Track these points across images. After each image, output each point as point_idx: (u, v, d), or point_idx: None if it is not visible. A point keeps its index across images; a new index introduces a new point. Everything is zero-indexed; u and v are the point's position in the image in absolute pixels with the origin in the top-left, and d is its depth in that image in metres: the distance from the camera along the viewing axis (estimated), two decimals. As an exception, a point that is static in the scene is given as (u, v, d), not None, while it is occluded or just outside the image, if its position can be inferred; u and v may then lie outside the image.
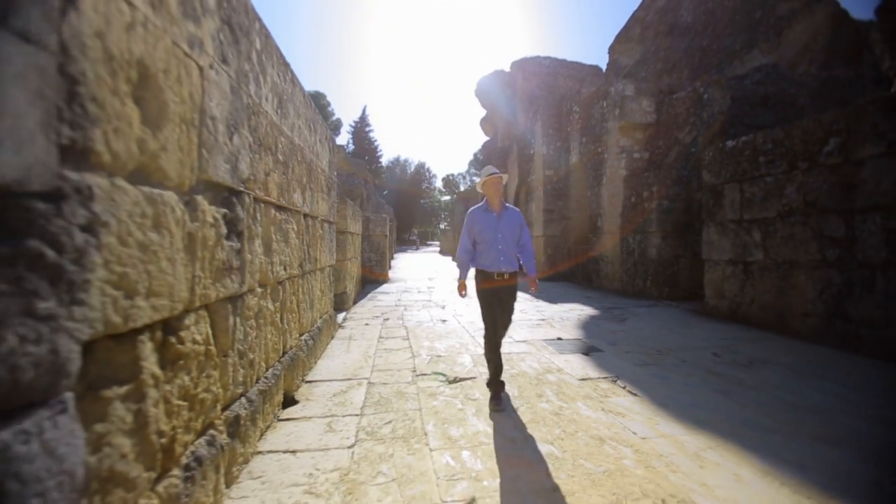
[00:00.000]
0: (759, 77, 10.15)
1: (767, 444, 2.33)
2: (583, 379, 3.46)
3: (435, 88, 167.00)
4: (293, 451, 2.26)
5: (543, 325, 5.64)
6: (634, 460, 2.18)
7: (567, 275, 11.41)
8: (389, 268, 14.39)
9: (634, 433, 2.48)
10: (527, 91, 14.34)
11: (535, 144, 12.22)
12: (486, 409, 2.86)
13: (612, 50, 14.86)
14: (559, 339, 4.87)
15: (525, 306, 7.04)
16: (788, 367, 3.73)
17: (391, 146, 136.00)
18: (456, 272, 8.55)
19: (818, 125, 4.69)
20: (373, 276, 10.62)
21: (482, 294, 3.15)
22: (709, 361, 3.92)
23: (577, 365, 3.84)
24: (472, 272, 3.27)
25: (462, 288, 3.24)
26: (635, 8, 15.27)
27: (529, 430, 2.53)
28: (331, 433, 2.48)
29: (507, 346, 4.37)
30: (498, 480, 2.00)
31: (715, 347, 4.40)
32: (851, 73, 10.82)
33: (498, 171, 3.24)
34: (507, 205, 3.29)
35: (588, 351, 4.33)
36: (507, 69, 16.49)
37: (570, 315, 6.34)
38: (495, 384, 3.00)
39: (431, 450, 2.29)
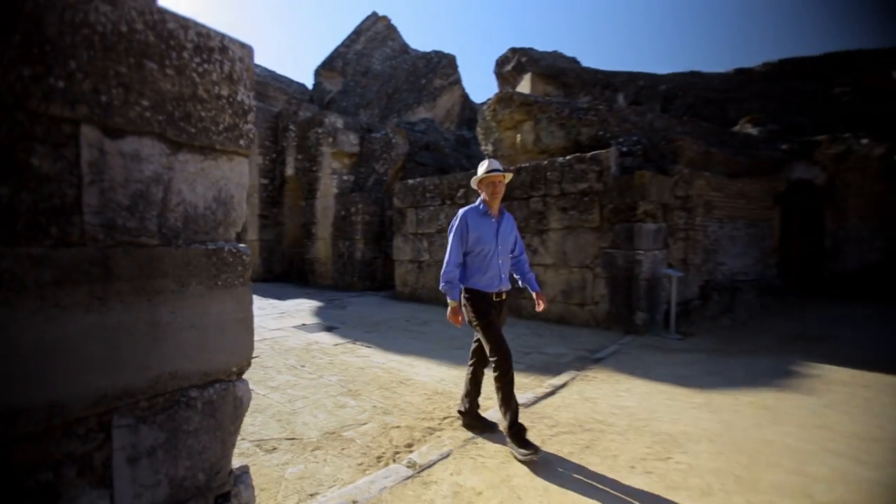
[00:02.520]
0: (423, 127, 14.21)
1: (437, 356, 4.68)
2: (335, 344, 5.17)
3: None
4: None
5: (286, 316, 6.96)
6: (383, 371, 4.08)
7: (282, 275, 12.62)
8: None
9: (377, 362, 4.40)
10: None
11: (252, 154, 12.80)
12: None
13: (318, 73, 16.80)
14: (304, 324, 6.36)
15: (262, 304, 8.06)
16: (442, 320, 6.54)
17: None
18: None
19: (455, 180, 7.94)
20: None
21: (485, 316, 2.60)
22: (404, 325, 6.32)
23: (327, 338, 5.50)
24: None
25: (458, 315, 2.63)
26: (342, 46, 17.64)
27: (321, 374, 4.07)
28: None
29: (268, 332, 5.57)
30: (317, 396, 3.50)
31: (406, 317, 6.92)
32: (470, 134, 16.38)
33: (502, 168, 2.71)
34: (502, 209, 2.79)
35: (329, 329, 6.05)
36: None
37: (303, 307, 7.84)
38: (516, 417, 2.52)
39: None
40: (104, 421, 1.30)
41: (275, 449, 2.61)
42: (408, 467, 2.38)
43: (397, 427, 2.93)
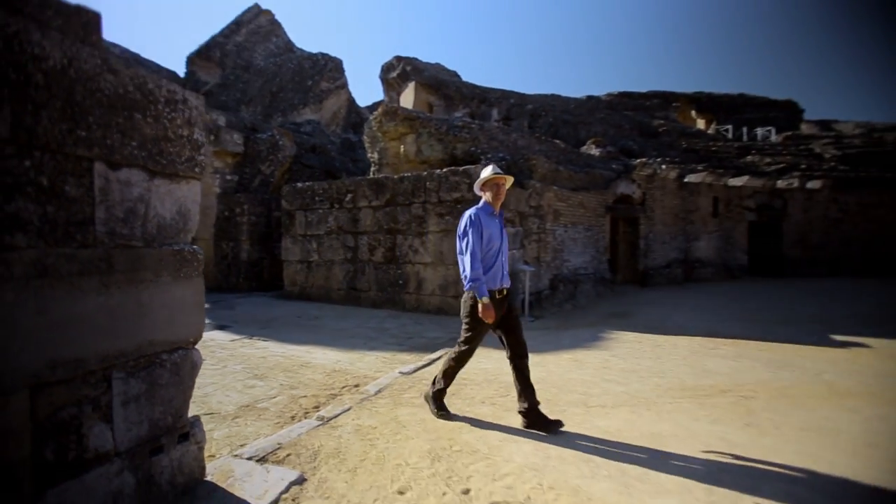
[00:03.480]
0: (310, 129, 14.35)
1: (331, 344, 5.29)
2: (232, 340, 5.46)
3: None
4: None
5: (169, 317, 6.87)
6: (283, 358, 4.59)
7: (152, 276, 11.77)
8: None
9: (277, 352, 4.88)
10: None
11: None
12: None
13: (190, 62, 15.75)
14: (192, 324, 6.42)
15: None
16: (333, 315, 7.10)
17: None
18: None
19: (343, 185, 8.52)
20: None
21: (478, 325, 2.81)
22: (296, 321, 6.75)
23: (222, 335, 5.74)
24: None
25: (490, 311, 2.72)
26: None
27: (224, 364, 4.42)
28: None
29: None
30: (226, 381, 3.92)
31: (297, 314, 7.32)
32: (356, 138, 16.83)
33: (503, 171, 2.98)
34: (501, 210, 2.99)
35: (222, 327, 6.23)
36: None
37: (186, 308, 7.72)
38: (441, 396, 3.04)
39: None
40: (107, 374, 1.81)
41: (199, 419, 3.07)
42: (317, 420, 3.05)
43: (304, 396, 3.56)
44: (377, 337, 5.65)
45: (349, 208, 8.28)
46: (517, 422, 2.90)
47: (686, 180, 12.41)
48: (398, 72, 25.60)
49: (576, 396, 3.39)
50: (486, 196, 2.96)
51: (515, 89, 24.04)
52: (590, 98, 26.60)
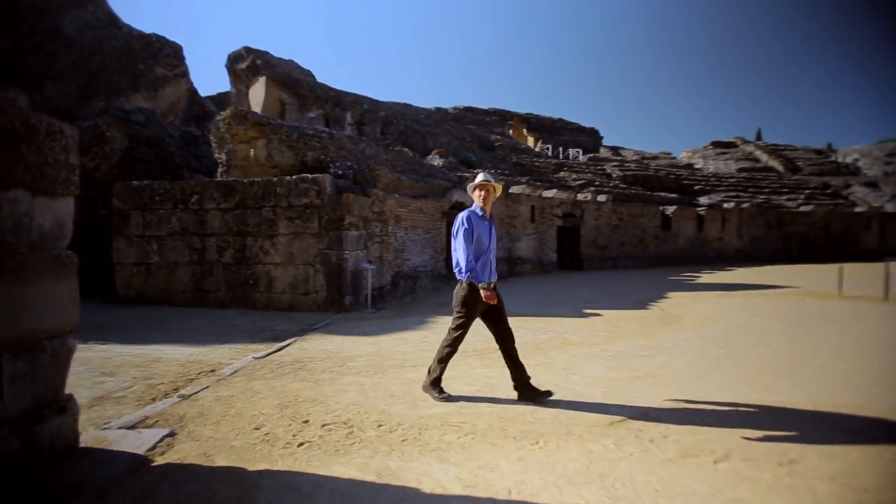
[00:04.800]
0: (142, 119, 13.23)
1: (183, 342, 5.56)
2: (63, 344, 5.32)
3: None
4: None
5: None
6: (132, 357, 4.79)
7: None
8: None
9: (121, 353, 5.00)
10: None
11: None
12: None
13: (-31, 25, 13.04)
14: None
15: None
16: (179, 316, 7.14)
17: None
18: None
19: (189, 186, 8.44)
20: None
21: (472, 306, 3.23)
22: (138, 324, 6.66)
23: (49, 340, 5.50)
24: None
25: (493, 294, 3.17)
26: None
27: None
28: None
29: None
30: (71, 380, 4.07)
31: (138, 318, 7.14)
32: (199, 132, 15.89)
33: (493, 180, 3.44)
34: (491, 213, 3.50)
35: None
36: None
37: None
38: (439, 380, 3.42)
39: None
40: None
41: (54, 408, 3.35)
42: (178, 397, 3.61)
43: (162, 383, 4.00)
44: (228, 332, 6.06)
45: (196, 209, 8.25)
46: (351, 382, 3.89)
47: (510, 191, 14.89)
48: (247, 63, 24.36)
49: (396, 361, 4.54)
50: (476, 199, 3.40)
51: (369, 95, 24.96)
52: (438, 109, 28.98)
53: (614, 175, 24.23)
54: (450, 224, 12.77)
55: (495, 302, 3.23)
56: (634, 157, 31.08)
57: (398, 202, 9.58)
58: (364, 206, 8.12)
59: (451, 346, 3.41)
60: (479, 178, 3.48)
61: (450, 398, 3.38)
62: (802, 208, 24.13)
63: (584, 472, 2.34)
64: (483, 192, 3.38)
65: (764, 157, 33.03)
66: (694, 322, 6.64)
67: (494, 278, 3.36)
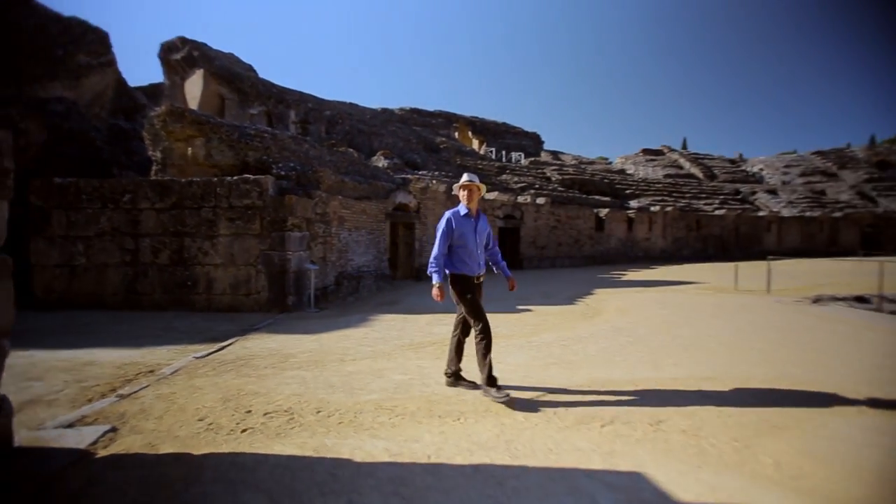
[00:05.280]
0: (62, 109, 12.42)
1: (118, 345, 5.48)
2: None
3: None
4: None
5: None
6: (58, 361, 4.70)
7: None
8: None
9: (46, 358, 4.88)
10: None
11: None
12: None
13: None
14: None
15: None
16: (110, 320, 6.93)
17: None
18: None
19: (121, 184, 8.15)
20: None
21: (469, 294, 3.46)
22: (62, 329, 6.41)
23: None
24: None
25: (442, 292, 3.38)
26: None
27: None
28: None
29: None
30: None
31: (61, 323, 6.85)
32: (129, 125, 15.08)
33: (478, 180, 3.65)
34: (479, 211, 3.66)
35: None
36: None
37: None
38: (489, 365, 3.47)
39: None
40: (-62, 355, 2.33)
41: (-17, 411, 3.33)
42: (117, 397, 3.68)
43: (97, 385, 4.01)
44: (166, 335, 6.01)
45: (128, 209, 7.99)
46: (293, 376, 4.12)
47: (454, 192, 15.39)
48: (183, 55, 23.21)
49: (336, 356, 4.81)
50: (461, 199, 3.63)
51: (314, 93, 24.59)
52: (384, 110, 29.03)
53: (553, 178, 25.51)
54: (393, 225, 13.01)
55: (440, 299, 3.45)
56: (573, 162, 32.80)
57: (342, 203, 9.75)
58: (307, 207, 8.23)
59: (484, 336, 3.46)
60: (464, 178, 3.68)
61: (509, 397, 3.35)
62: (717, 212, 26.63)
63: (494, 439, 2.77)
64: (467, 192, 3.58)
65: (687, 165, 35.98)
66: (612, 315, 7.40)
67: (482, 271, 3.57)
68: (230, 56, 24.52)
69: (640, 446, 2.67)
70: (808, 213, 28.31)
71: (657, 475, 2.33)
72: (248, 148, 9.25)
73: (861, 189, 32.47)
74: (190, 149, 9.32)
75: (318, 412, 3.25)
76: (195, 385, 3.89)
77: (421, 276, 13.30)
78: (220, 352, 5.11)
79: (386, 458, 2.51)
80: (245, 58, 24.99)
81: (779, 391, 3.72)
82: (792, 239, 27.26)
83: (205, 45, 23.07)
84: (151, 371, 4.40)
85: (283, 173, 8.90)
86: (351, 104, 26.13)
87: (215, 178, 8.06)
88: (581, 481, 2.27)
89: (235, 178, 7.97)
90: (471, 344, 3.65)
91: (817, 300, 8.36)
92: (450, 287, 3.58)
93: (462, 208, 3.61)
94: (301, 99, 23.43)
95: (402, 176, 14.34)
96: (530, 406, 3.34)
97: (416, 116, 29.96)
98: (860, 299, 8.55)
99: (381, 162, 17.12)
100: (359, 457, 2.54)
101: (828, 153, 37.78)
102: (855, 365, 4.57)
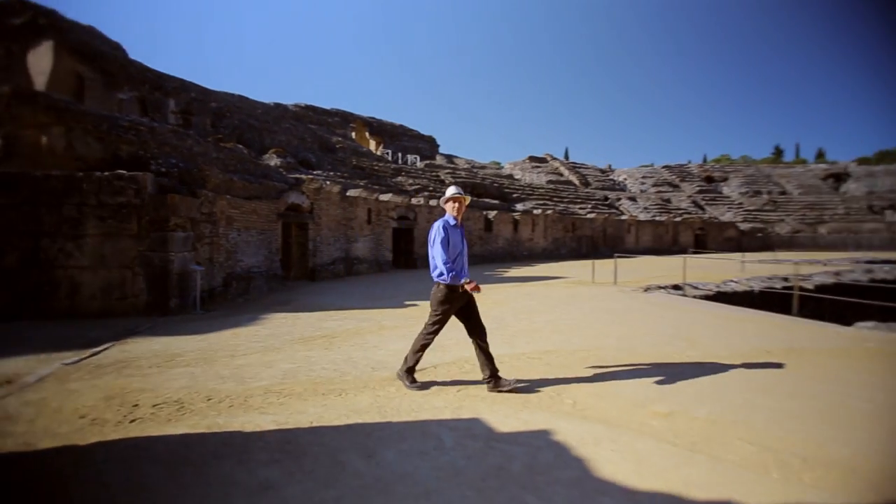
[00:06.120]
0: None
1: (-42, 354, 4.97)
2: None
3: None
4: None
5: None
6: None
7: None
8: None
9: None
10: None
11: None
12: None
13: None
14: None
15: None
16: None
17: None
18: None
19: (-46, 177, 7.13)
20: None
21: (448, 305, 3.64)
22: None
23: None
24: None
25: (475, 285, 3.59)
26: None
27: None
28: None
29: None
30: None
31: None
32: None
33: (463, 192, 3.84)
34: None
35: None
36: None
37: None
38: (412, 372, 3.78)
39: None
40: None
41: None
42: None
43: (-52, 395, 3.77)
44: (21, 344, 5.53)
45: (-34, 205, 7.04)
46: (181, 372, 4.27)
47: (348, 194, 15.63)
48: (24, 20, 20.00)
49: (226, 353, 5.00)
50: (450, 210, 3.82)
51: (199, 82, 22.82)
52: (278, 105, 27.90)
53: (447, 181, 26.82)
54: (286, 226, 12.90)
55: (479, 290, 3.66)
56: (466, 166, 34.65)
57: (230, 203, 9.55)
58: (192, 206, 8.01)
59: (427, 341, 3.78)
60: (452, 191, 3.88)
61: (422, 386, 3.74)
62: (589, 216, 30.25)
63: (368, 406, 3.36)
64: (456, 204, 3.82)
65: (566, 173, 40.08)
66: (486, 306, 8.40)
67: (466, 278, 3.74)
68: (90, 30, 21.70)
69: (483, 402, 3.46)
70: (657, 218, 33.44)
71: (489, 419, 3.12)
72: (122, 141, 8.64)
73: (695, 199, 39.19)
74: (45, 138, 8.42)
75: (209, 399, 3.54)
76: (70, 388, 3.87)
77: (315, 277, 13.36)
78: (94, 356, 4.96)
79: (274, 427, 2.96)
80: (111, 35, 22.30)
81: (596, 354, 4.86)
82: (646, 239, 31.99)
83: (55, 11, 20.15)
84: (9, 381, 4.20)
85: (163, 170, 8.49)
86: (241, 97, 24.72)
87: (81, 174, 7.46)
88: (432, 427, 2.96)
89: (107, 173, 7.47)
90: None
91: (647, 289, 10.35)
92: (433, 293, 3.79)
93: (451, 218, 3.81)
94: (182, 87, 21.63)
95: (296, 176, 14.21)
96: (401, 382, 3.99)
97: (311, 114, 29.28)
98: (676, 287, 10.75)
99: (273, 160, 16.68)
100: (249, 428, 2.94)
101: (673, 168, 44.86)
102: (655, 333, 6.02)
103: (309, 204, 13.26)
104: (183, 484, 2.30)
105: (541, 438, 2.82)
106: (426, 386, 3.85)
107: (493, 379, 3.70)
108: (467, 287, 3.61)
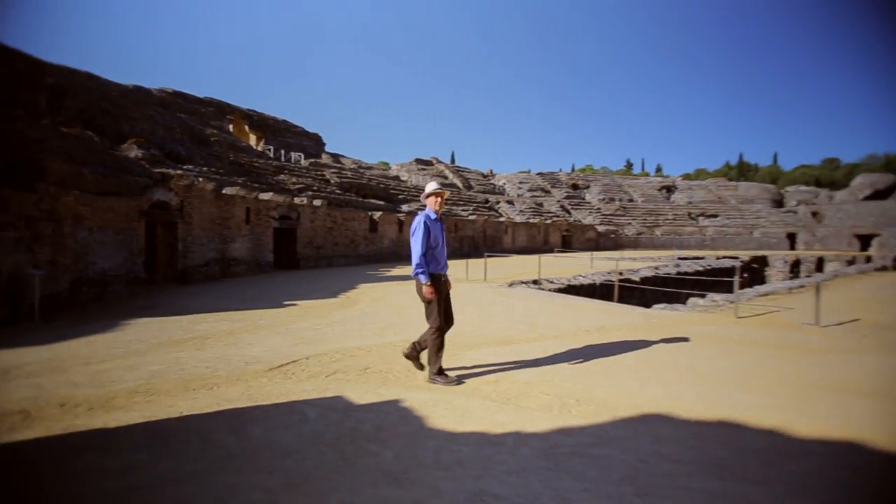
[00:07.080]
0: None
1: None
2: None
3: None
4: None
5: None
6: None
7: None
8: None
9: None
10: None
11: None
12: None
13: None
14: None
15: None
16: None
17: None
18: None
19: None
20: None
21: (437, 294, 3.87)
22: None
23: None
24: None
25: (433, 291, 3.82)
26: None
27: None
28: None
29: None
30: None
31: None
32: None
33: (441, 187, 4.09)
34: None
35: None
36: None
37: None
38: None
39: None
40: None
41: None
42: None
43: None
44: None
45: None
46: (23, 384, 4.04)
47: (224, 192, 14.82)
48: None
49: (80, 360, 4.76)
50: (431, 205, 4.06)
51: (26, 49, 19.37)
52: (138, 88, 24.87)
53: (333, 181, 26.53)
54: (151, 225, 11.94)
55: (432, 296, 3.85)
56: (353, 166, 34.45)
57: (79, 199, 8.62)
58: (27, 203, 7.16)
59: (438, 335, 3.94)
60: (433, 186, 4.14)
61: (460, 381, 3.95)
62: (471, 217, 32.27)
63: (240, 395, 3.66)
64: (438, 199, 4.10)
65: (451, 176, 42.04)
66: (365, 304, 8.91)
67: (446, 269, 4.06)
68: None
69: (348, 384, 3.97)
70: (531, 220, 36.93)
71: (351, 395, 3.65)
72: (-73, 124, 7.33)
73: (563, 203, 44.06)
74: None
75: (63, 405, 3.49)
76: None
77: (186, 279, 12.50)
78: None
79: (141, 420, 3.12)
80: None
81: (452, 340, 5.66)
82: (521, 240, 35.14)
83: None
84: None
85: (-13, 160, 7.41)
86: (88, 74, 21.55)
87: None
88: (298, 406, 3.40)
89: None
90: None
91: (511, 284, 11.75)
92: (417, 288, 3.99)
93: (431, 213, 4.05)
94: (3, 54, 18.22)
95: (162, 170, 13.07)
96: (274, 373, 4.32)
97: (180, 101, 26.62)
98: (535, 282, 12.38)
99: (133, 151, 15.05)
100: (113, 425, 3.07)
101: (546, 175, 49.74)
102: (506, 320, 7.09)
103: (178, 202, 12.37)
104: (47, 481, 2.42)
105: (391, 406, 3.43)
106: (279, 373, 4.23)
107: (415, 359, 4.22)
108: (424, 288, 3.87)
